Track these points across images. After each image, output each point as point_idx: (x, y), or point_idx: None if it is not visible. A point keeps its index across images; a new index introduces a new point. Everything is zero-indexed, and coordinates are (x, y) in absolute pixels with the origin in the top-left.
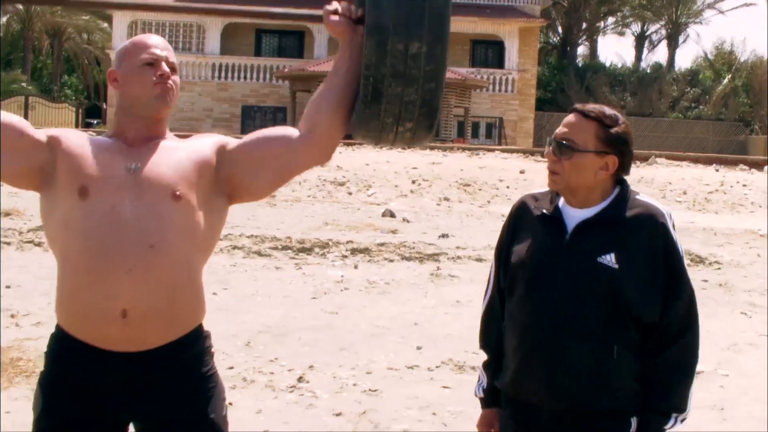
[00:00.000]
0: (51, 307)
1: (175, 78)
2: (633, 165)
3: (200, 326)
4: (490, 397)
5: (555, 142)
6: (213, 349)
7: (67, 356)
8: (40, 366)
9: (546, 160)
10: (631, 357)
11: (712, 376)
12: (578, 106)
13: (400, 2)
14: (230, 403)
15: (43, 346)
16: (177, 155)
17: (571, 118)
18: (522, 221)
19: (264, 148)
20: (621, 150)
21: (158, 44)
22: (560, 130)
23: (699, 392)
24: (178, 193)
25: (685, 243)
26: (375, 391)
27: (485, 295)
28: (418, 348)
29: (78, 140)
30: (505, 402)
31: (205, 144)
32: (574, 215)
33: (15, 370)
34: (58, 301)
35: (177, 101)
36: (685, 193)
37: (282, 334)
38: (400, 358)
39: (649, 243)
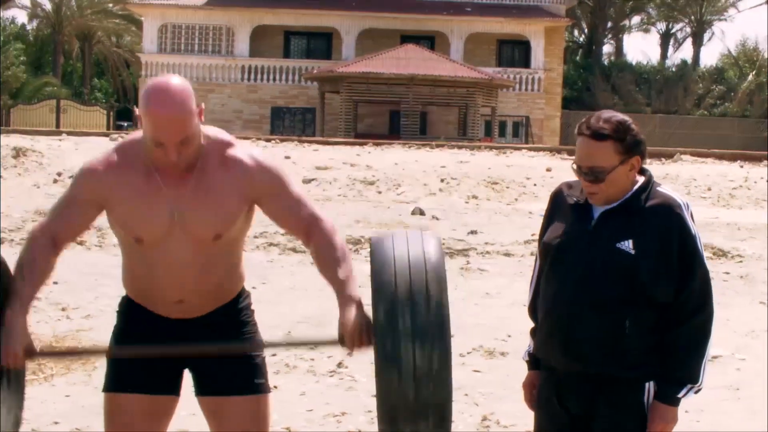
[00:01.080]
0: (98, 301)
1: (188, 148)
2: (659, 162)
3: (242, 289)
4: (533, 360)
5: (585, 174)
6: (252, 306)
7: (133, 315)
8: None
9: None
10: (642, 332)
11: (729, 360)
12: (584, 129)
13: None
14: (275, 386)
15: (95, 336)
16: (215, 196)
17: (586, 144)
18: (557, 206)
19: (280, 219)
20: (639, 149)
21: (167, 128)
22: (583, 160)
23: (716, 375)
24: (218, 233)
25: (708, 238)
26: None
27: (533, 269)
28: (451, 336)
29: (121, 193)
30: (541, 366)
31: (248, 184)
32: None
33: (72, 357)
34: (124, 279)
35: (195, 149)
36: (709, 189)
37: (320, 324)
38: None
39: (664, 231)
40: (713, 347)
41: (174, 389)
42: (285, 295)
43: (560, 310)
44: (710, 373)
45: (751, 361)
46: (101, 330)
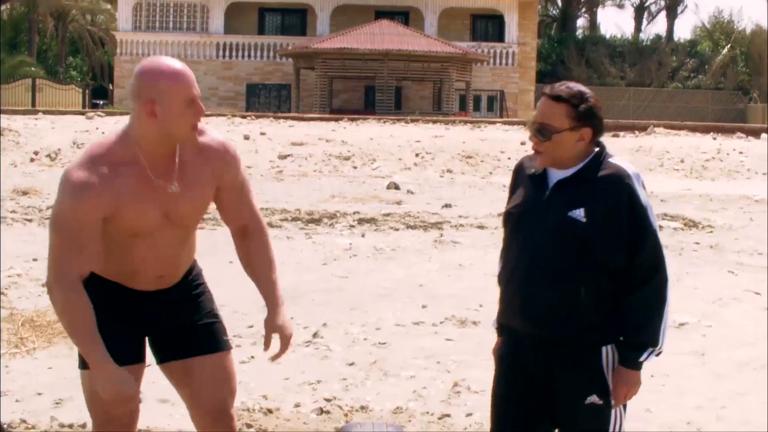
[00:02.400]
0: None
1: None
2: (632, 134)
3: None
4: (501, 326)
5: (534, 128)
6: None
7: (110, 290)
8: None
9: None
10: (597, 298)
11: (696, 326)
12: (547, 89)
13: None
14: (252, 357)
15: None
16: (197, 186)
17: (544, 103)
18: (519, 178)
19: (230, 209)
20: (592, 122)
21: (194, 83)
22: (536, 115)
23: (682, 341)
24: (200, 219)
25: (680, 209)
26: (384, 344)
27: (503, 240)
28: (424, 306)
29: (122, 198)
30: (503, 331)
31: (220, 170)
32: (554, 175)
33: (53, 331)
34: (104, 264)
35: None
36: (682, 161)
37: (296, 296)
38: (406, 315)
39: (615, 199)
40: (680, 314)
41: (143, 357)
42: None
43: (519, 276)
44: (676, 339)
45: (717, 327)
46: None
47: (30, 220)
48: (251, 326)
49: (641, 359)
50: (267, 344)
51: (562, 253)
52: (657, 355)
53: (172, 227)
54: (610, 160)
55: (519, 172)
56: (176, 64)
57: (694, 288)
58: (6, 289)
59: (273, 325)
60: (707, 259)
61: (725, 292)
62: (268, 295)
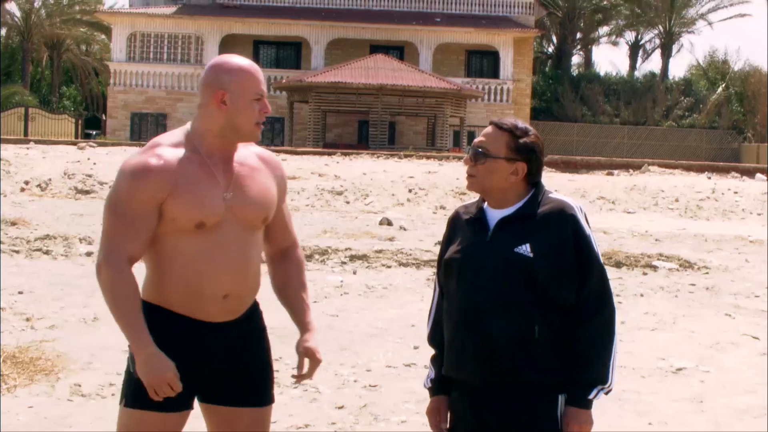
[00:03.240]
0: (64, 311)
1: None
2: (626, 173)
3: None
4: (437, 386)
5: (472, 149)
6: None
7: (169, 325)
8: (59, 365)
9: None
10: (553, 336)
11: (693, 372)
12: (494, 119)
13: None
14: None
15: (59, 347)
16: (260, 182)
17: (488, 129)
18: (455, 228)
19: (272, 228)
20: (529, 158)
21: (263, 80)
22: (477, 139)
23: (680, 387)
24: (266, 216)
25: (675, 249)
26: (375, 386)
27: (432, 298)
28: (415, 347)
29: (181, 181)
30: (453, 386)
31: (279, 177)
32: (495, 215)
33: (35, 368)
34: (161, 285)
35: None
36: (677, 200)
37: (285, 335)
38: (398, 357)
39: (559, 233)
40: (677, 359)
41: (191, 403)
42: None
43: (468, 321)
44: (674, 384)
45: (716, 373)
46: (66, 341)
47: (17, 252)
48: None
49: (590, 397)
50: (301, 368)
51: (512, 291)
52: (606, 393)
53: (235, 220)
54: (551, 195)
55: (454, 221)
56: (249, 61)
57: (691, 332)
58: None
59: (307, 349)
60: (703, 302)
61: (723, 336)
62: (302, 319)
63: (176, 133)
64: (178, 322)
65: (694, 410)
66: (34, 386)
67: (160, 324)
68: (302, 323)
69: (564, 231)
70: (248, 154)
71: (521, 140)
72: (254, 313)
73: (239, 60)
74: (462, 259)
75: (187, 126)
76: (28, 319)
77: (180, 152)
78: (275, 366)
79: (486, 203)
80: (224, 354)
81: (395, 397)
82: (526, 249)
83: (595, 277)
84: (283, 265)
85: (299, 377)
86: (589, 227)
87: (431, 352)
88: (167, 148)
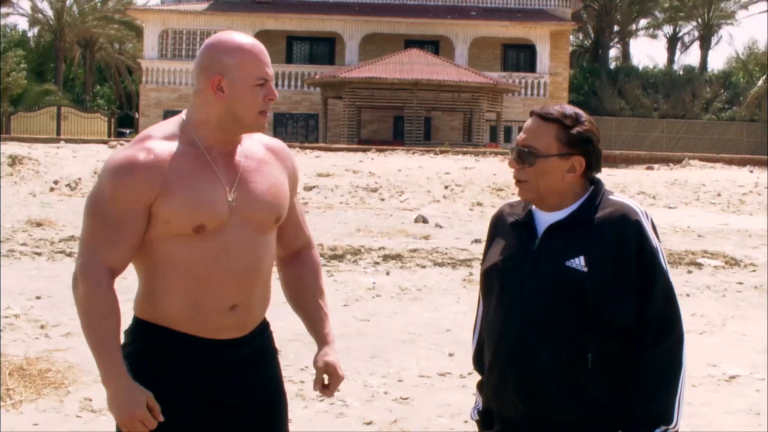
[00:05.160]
0: None
1: None
2: (666, 167)
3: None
4: (485, 419)
5: (516, 149)
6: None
7: (171, 348)
8: (70, 377)
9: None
10: (608, 365)
11: (748, 380)
12: (536, 109)
13: None
14: None
15: (70, 357)
16: (269, 176)
17: (530, 122)
18: (497, 231)
19: (287, 222)
20: (586, 149)
21: (269, 62)
22: (520, 136)
23: (734, 398)
24: (278, 215)
25: (719, 245)
26: (406, 399)
27: (476, 313)
28: (450, 355)
29: (174, 178)
30: (494, 419)
31: (290, 169)
32: (545, 219)
33: (44, 382)
34: (162, 299)
35: None
36: (719, 194)
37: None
38: (431, 365)
39: (620, 243)
40: (729, 365)
41: None
42: (278, 310)
43: (510, 346)
44: (728, 394)
45: None
46: (79, 350)
47: (39, 254)
48: None
49: None
50: (319, 385)
51: (561, 312)
52: None
53: (241, 221)
54: (611, 197)
55: (498, 222)
56: (250, 39)
57: (742, 335)
58: (1, 331)
59: (328, 364)
60: (753, 302)
61: None
62: (320, 330)
63: (170, 124)
64: (180, 342)
65: (751, 423)
66: (42, 401)
67: (159, 345)
68: (320, 335)
69: (626, 241)
70: (253, 144)
71: (574, 130)
72: (266, 331)
73: (239, 38)
74: (503, 270)
75: (182, 115)
76: (42, 327)
77: (174, 145)
78: (301, 376)
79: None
80: (235, 378)
81: (428, 411)
82: (579, 262)
83: (660, 297)
84: (296, 269)
85: (322, 391)
86: (657, 237)
87: (473, 370)
88: (159, 140)
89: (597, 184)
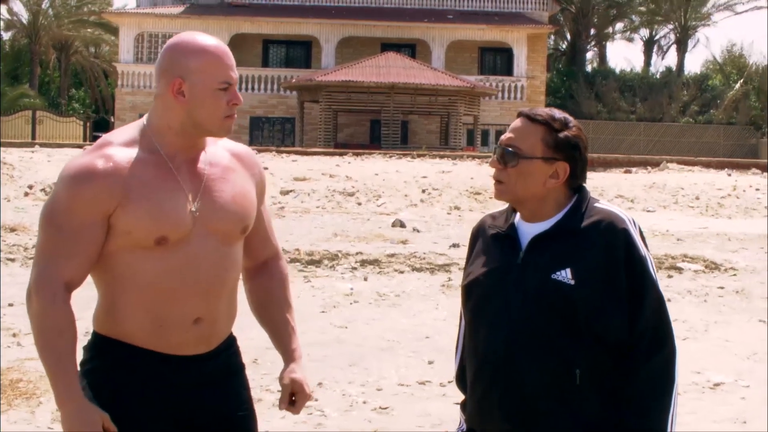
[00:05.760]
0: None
1: None
2: (644, 170)
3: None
4: None
5: (499, 148)
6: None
7: (132, 364)
8: (42, 387)
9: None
10: (598, 382)
11: (732, 387)
12: (525, 109)
13: None
14: None
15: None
16: (235, 184)
17: (517, 122)
18: (479, 244)
19: (253, 232)
20: (572, 156)
21: (233, 65)
22: (505, 135)
23: (719, 405)
24: (245, 225)
25: (698, 249)
26: (385, 408)
27: (459, 329)
28: (430, 362)
29: (134, 186)
30: None
31: (257, 176)
32: (528, 231)
33: (15, 393)
34: (122, 313)
35: None
36: (697, 198)
37: None
38: (411, 373)
39: (608, 253)
40: (714, 373)
41: None
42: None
43: (494, 364)
44: (712, 402)
45: (756, 387)
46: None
47: (12, 260)
48: None
49: None
50: (285, 403)
51: (548, 327)
52: None
53: (208, 235)
54: (597, 205)
55: (479, 234)
56: (213, 40)
57: (725, 341)
58: None
59: (294, 381)
60: (734, 306)
61: (759, 346)
62: (287, 345)
63: (130, 130)
64: (142, 358)
65: None
66: (12, 412)
67: (119, 361)
68: (287, 350)
69: (614, 251)
70: (218, 151)
71: (561, 134)
72: (232, 347)
73: (201, 39)
74: (486, 285)
75: (143, 120)
76: (14, 335)
77: (134, 152)
78: (278, 386)
79: (517, 215)
80: (201, 395)
81: (408, 421)
82: (565, 275)
83: (651, 309)
84: (263, 280)
85: (288, 409)
86: (645, 246)
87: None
88: (118, 147)
89: (582, 192)
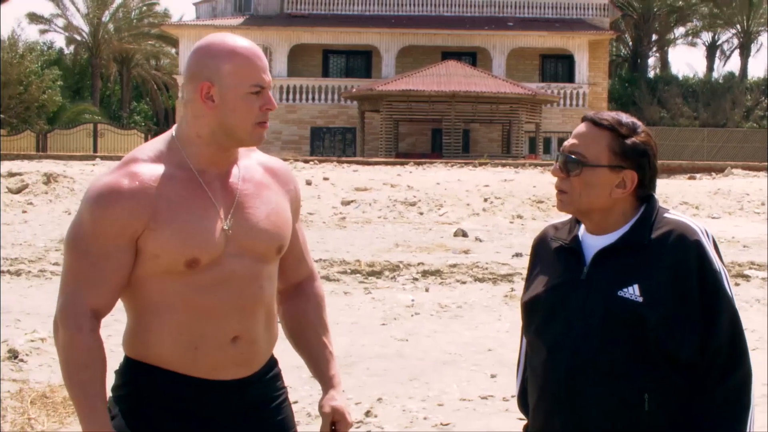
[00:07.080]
0: (110, 339)
1: None
2: (708, 176)
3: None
4: None
5: (562, 156)
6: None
7: (167, 391)
8: None
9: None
10: (668, 406)
11: None
12: (590, 113)
13: None
14: None
15: None
16: (270, 201)
17: (581, 127)
18: (541, 257)
19: (287, 252)
20: (640, 164)
21: (266, 68)
22: (569, 141)
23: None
24: (281, 245)
25: (765, 256)
26: (447, 425)
27: (520, 347)
28: (493, 376)
29: (163, 207)
30: None
31: (293, 192)
32: (593, 244)
33: (67, 410)
34: (146, 338)
35: None
36: (763, 204)
37: (349, 363)
38: (473, 388)
39: (679, 267)
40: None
41: None
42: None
43: (556, 390)
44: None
45: None
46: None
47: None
48: (296, 402)
49: None
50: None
51: (613, 349)
52: None
53: (241, 255)
54: (667, 215)
55: (540, 246)
56: (245, 41)
57: None
58: (27, 355)
59: (335, 410)
60: None
61: None
62: (326, 372)
63: (157, 143)
64: (177, 384)
65: None
66: (64, 430)
67: (153, 387)
68: (326, 377)
69: (685, 265)
70: (251, 165)
71: (628, 140)
72: (274, 369)
73: (231, 40)
74: (547, 303)
75: (172, 131)
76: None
77: (162, 168)
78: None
79: (582, 226)
80: (242, 424)
81: None
82: (633, 291)
83: (726, 328)
84: (298, 303)
85: None
86: (720, 258)
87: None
88: (145, 164)
89: (650, 202)
